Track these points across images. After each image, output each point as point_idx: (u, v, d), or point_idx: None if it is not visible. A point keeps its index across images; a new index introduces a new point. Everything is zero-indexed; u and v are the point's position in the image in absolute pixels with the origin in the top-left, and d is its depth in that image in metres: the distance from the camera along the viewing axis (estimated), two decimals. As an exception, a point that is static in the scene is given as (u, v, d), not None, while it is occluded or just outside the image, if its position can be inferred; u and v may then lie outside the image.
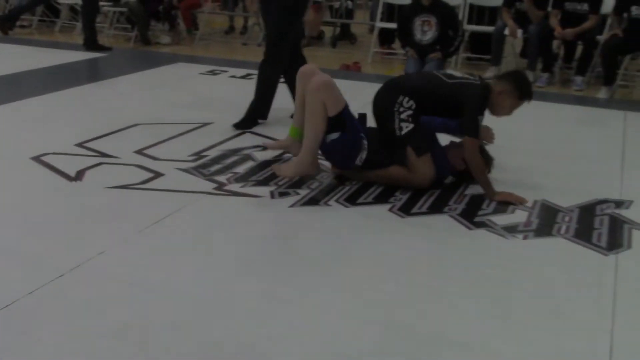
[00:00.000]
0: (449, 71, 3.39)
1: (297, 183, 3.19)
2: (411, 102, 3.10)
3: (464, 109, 3.05)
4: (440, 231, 2.74)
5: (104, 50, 6.84)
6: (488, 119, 3.19)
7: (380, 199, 3.03)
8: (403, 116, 3.09)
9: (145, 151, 3.61)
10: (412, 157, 3.08)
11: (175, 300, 2.15)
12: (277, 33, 4.02)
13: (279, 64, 4.09)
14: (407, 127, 3.09)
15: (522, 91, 3.10)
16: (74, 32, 8.30)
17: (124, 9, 7.74)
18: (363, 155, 3.11)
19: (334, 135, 3.07)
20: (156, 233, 2.63)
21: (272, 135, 3.92)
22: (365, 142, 3.11)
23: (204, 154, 3.59)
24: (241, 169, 3.38)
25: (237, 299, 2.17)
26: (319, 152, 3.17)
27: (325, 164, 3.34)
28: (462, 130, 3.11)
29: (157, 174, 3.27)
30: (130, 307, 2.10)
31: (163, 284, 2.24)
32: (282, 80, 4.23)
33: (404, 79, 3.42)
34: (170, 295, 2.17)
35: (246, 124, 4.10)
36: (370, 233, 2.71)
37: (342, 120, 3.05)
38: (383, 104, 3.17)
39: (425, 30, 5.79)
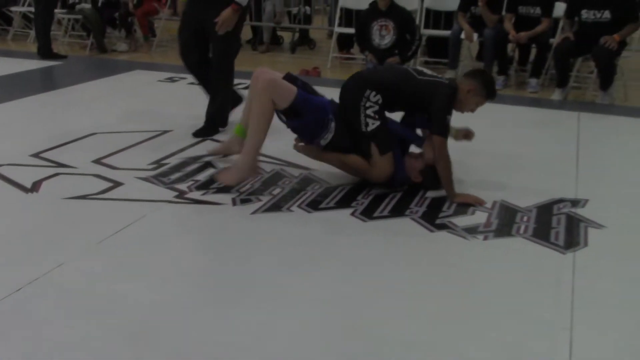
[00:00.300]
0: (420, 67, 3.42)
1: (259, 190, 3.18)
2: (378, 97, 3.11)
3: (433, 107, 3.09)
4: (402, 234, 2.76)
5: (59, 59, 6.72)
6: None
7: (342, 204, 3.04)
8: (369, 112, 3.10)
9: (104, 160, 3.56)
10: (375, 154, 3.12)
11: (137, 312, 2.12)
12: (231, 41, 4.00)
13: (233, 70, 4.13)
14: (373, 124, 3.10)
15: (489, 90, 3.18)
16: (27, 40, 8.13)
17: (79, 16, 7.62)
18: (328, 136, 3.15)
19: (295, 122, 3.17)
20: (116, 244, 2.59)
21: (233, 142, 3.90)
22: (333, 124, 3.14)
23: (163, 162, 3.55)
24: (202, 176, 3.35)
25: (200, 308, 2.15)
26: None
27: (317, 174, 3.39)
28: (432, 129, 3.12)
29: (116, 184, 3.22)
30: (91, 319, 2.06)
31: (124, 295, 2.21)
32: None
33: (372, 72, 3.40)
34: (131, 307, 2.14)
35: (207, 131, 4.07)
36: (332, 238, 2.71)
37: (296, 110, 3.10)
38: (349, 97, 3.18)
39: (383, 35, 5.85)
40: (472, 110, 3.23)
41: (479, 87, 3.15)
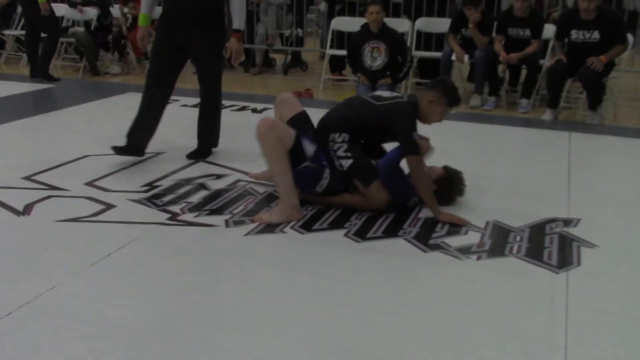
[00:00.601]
0: (378, 92, 3.45)
1: (252, 211, 3.18)
2: (344, 136, 3.15)
3: (397, 130, 3.11)
4: (395, 255, 2.76)
5: (53, 81, 6.73)
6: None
7: (335, 225, 3.04)
8: (340, 153, 3.14)
9: (96, 183, 3.55)
10: (361, 188, 3.13)
11: (129, 335, 2.10)
12: (218, 62, 3.99)
13: (221, 90, 4.09)
14: (347, 163, 3.13)
15: (450, 98, 3.18)
16: (19, 63, 8.15)
17: (72, 40, 7.65)
18: (324, 183, 3.15)
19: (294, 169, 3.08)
20: (109, 266, 2.58)
21: (225, 163, 3.91)
22: (327, 170, 3.15)
23: (156, 184, 3.55)
24: (195, 198, 3.35)
25: (193, 331, 2.13)
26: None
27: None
28: (403, 150, 3.13)
29: (109, 206, 3.21)
30: (83, 343, 2.04)
31: (116, 319, 2.19)
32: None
33: (332, 114, 3.30)
34: (124, 330, 2.12)
35: (201, 153, 4.06)
36: (326, 259, 2.71)
37: (296, 154, 3.05)
38: (321, 144, 3.20)
39: (375, 57, 5.90)
40: (439, 120, 3.24)
41: (439, 96, 3.16)
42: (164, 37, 3.82)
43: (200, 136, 4.09)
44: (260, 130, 3.00)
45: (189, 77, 7.65)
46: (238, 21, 3.82)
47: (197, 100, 5.94)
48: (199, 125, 4.09)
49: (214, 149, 4.15)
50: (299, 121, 3.29)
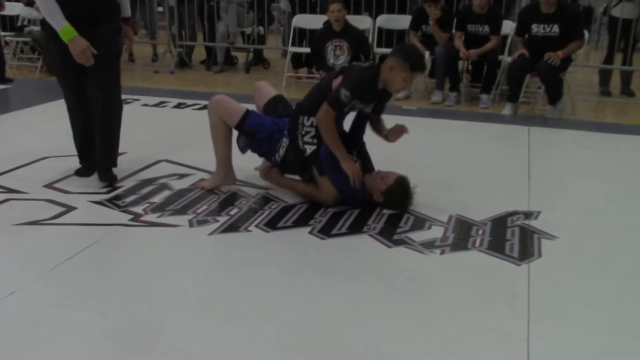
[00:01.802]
0: (346, 64, 3.43)
1: (216, 210, 3.16)
2: (311, 119, 3.15)
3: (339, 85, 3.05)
4: (360, 251, 2.78)
5: (6, 83, 6.57)
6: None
7: (300, 222, 3.04)
8: (306, 138, 3.17)
9: (56, 185, 3.48)
10: (317, 177, 3.18)
11: (93, 340, 2.06)
12: (117, 65, 3.54)
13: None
14: (310, 149, 3.16)
15: (412, 62, 3.04)
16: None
17: (28, 39, 7.49)
18: (281, 152, 3.25)
19: (249, 142, 3.31)
20: (70, 270, 2.53)
21: (187, 162, 3.87)
22: (285, 140, 3.24)
23: (118, 184, 3.50)
24: (157, 198, 3.31)
25: (159, 333, 2.11)
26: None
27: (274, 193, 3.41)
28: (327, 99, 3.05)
29: (69, 208, 3.16)
30: (45, 349, 2.00)
31: (79, 323, 2.15)
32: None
33: (306, 97, 3.34)
34: (86, 336, 2.09)
35: (107, 179, 3.51)
36: (291, 257, 2.71)
37: (248, 130, 3.27)
38: (290, 126, 3.25)
39: (337, 55, 5.92)
40: (404, 87, 3.22)
41: (399, 62, 3.03)
42: (62, 47, 3.24)
43: (100, 159, 3.53)
44: (208, 108, 3.35)
45: (149, 76, 7.58)
46: (126, 9, 3.52)
47: (158, 99, 5.93)
48: (98, 142, 3.50)
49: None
50: (272, 104, 3.46)
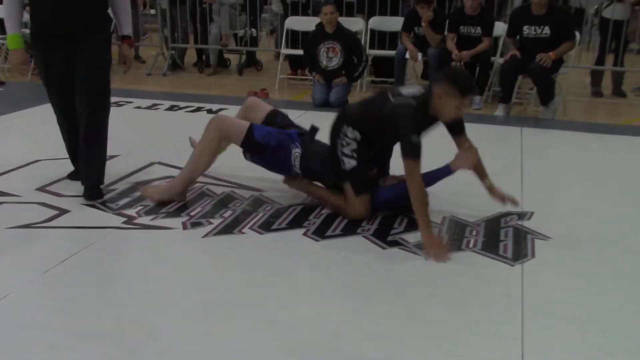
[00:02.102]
0: (401, 87, 3.16)
1: (210, 212, 3.15)
2: (355, 133, 3.03)
3: (399, 132, 2.90)
4: (355, 252, 2.78)
5: (-1, 85, 6.54)
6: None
7: (294, 224, 3.04)
8: (346, 150, 3.04)
9: (48, 188, 3.47)
10: (350, 194, 3.07)
11: (86, 343, 2.06)
12: (104, 77, 3.30)
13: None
14: (350, 164, 3.04)
15: (461, 86, 2.88)
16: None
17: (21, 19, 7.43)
18: (297, 163, 3.15)
19: (259, 157, 3.20)
20: (63, 273, 2.52)
21: (181, 165, 3.86)
22: (296, 150, 3.14)
23: (111, 187, 3.49)
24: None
25: (153, 336, 2.10)
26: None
27: (268, 195, 3.33)
28: (402, 152, 2.88)
29: (62, 211, 3.14)
30: (39, 352, 1.99)
31: (73, 326, 2.14)
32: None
33: (355, 105, 3.22)
34: (80, 339, 2.08)
35: (92, 196, 3.29)
36: (285, 259, 2.70)
37: (257, 144, 3.14)
38: (331, 131, 3.14)
39: (330, 57, 5.92)
40: (457, 115, 2.97)
41: (447, 88, 2.87)
42: (49, 58, 3.17)
43: (86, 176, 3.33)
44: (208, 124, 3.20)
45: (142, 79, 7.56)
46: (127, 26, 3.38)
47: (151, 101, 5.92)
48: (82, 159, 3.32)
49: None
50: (269, 117, 3.39)
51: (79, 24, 3.12)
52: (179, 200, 3.26)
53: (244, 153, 3.24)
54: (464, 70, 3.08)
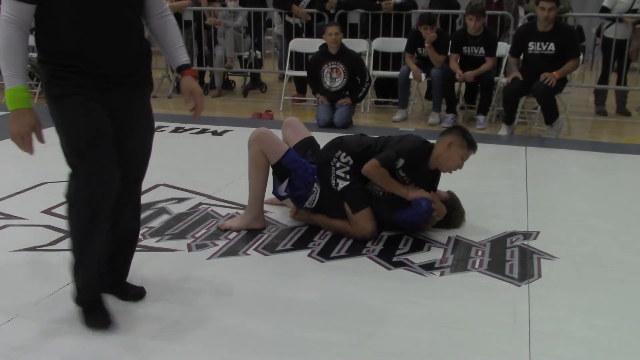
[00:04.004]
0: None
1: (215, 234, 3.15)
2: (348, 158, 3.14)
3: (387, 148, 3.10)
4: (360, 273, 2.77)
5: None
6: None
7: (299, 245, 3.04)
8: (339, 172, 3.13)
9: (54, 210, 3.48)
10: (349, 213, 3.10)
11: (92, 365, 2.05)
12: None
13: None
14: (342, 184, 3.11)
15: (469, 140, 3.12)
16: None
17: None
18: (313, 198, 3.16)
19: (284, 182, 3.16)
20: (69, 296, 2.51)
21: (186, 186, 3.87)
22: (316, 186, 3.15)
23: (116, 210, 3.49)
24: (156, 222, 3.31)
25: (157, 358, 2.09)
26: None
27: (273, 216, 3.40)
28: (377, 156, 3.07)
29: (68, 234, 3.14)
30: (43, 376, 1.99)
31: (78, 349, 2.14)
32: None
33: (348, 138, 3.31)
34: (86, 360, 2.08)
35: (134, 295, 2.50)
36: (290, 280, 2.70)
37: (284, 168, 3.12)
38: (323, 155, 3.23)
39: (334, 77, 5.96)
40: (459, 166, 3.16)
41: (458, 139, 3.10)
42: (87, 108, 2.14)
43: (124, 273, 2.52)
44: (249, 138, 3.19)
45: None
46: (183, 53, 2.39)
47: (157, 123, 5.90)
48: (123, 254, 2.50)
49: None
50: (302, 146, 3.35)
51: (131, 61, 2.20)
52: (258, 227, 3.21)
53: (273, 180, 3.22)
54: (467, 130, 3.27)
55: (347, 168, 3.13)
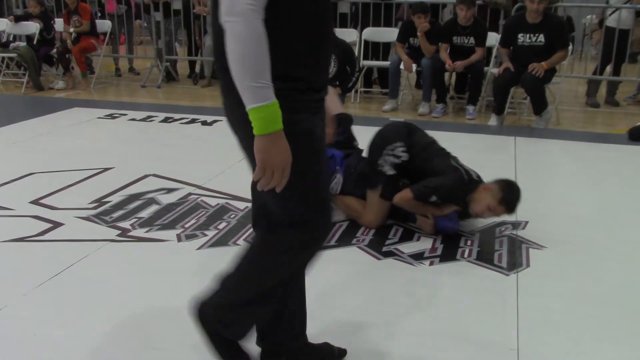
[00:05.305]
0: (459, 159, 3.21)
1: (205, 224, 3.14)
2: (404, 155, 3.03)
3: (432, 179, 2.98)
4: (350, 263, 2.77)
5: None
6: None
7: (289, 235, 3.03)
8: (391, 159, 3.02)
9: (42, 201, 3.46)
10: (374, 199, 3.08)
11: (81, 357, 2.04)
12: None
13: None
14: (389, 172, 3.02)
15: (505, 196, 2.92)
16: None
17: (14, 55, 7.45)
18: (335, 187, 3.17)
19: None
20: (58, 286, 2.51)
21: (175, 176, 3.86)
22: (338, 175, 3.16)
23: (105, 200, 3.48)
24: (145, 213, 3.30)
25: (149, 350, 2.09)
26: None
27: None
28: (412, 187, 3.00)
29: (56, 224, 3.13)
30: (31, 367, 1.98)
31: (67, 340, 2.13)
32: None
33: (414, 129, 3.22)
34: (74, 353, 2.07)
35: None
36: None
37: None
38: (380, 139, 3.12)
39: (324, 67, 5.92)
40: (483, 214, 2.97)
41: (497, 189, 2.94)
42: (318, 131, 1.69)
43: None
44: None
45: (137, 91, 7.56)
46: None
47: (145, 113, 5.92)
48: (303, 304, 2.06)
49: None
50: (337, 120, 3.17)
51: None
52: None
53: None
54: (519, 191, 3.03)
55: (398, 162, 3.02)
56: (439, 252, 2.87)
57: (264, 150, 1.50)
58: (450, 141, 4.97)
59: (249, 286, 1.82)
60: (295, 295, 1.94)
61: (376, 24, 6.90)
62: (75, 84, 7.59)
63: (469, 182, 3.02)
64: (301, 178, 1.60)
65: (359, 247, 2.91)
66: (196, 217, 3.24)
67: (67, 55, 7.57)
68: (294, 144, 1.53)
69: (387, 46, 6.85)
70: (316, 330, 2.21)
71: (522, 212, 3.35)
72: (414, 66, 6.24)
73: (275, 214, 1.70)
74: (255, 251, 1.84)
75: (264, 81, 1.46)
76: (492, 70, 6.13)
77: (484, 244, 2.97)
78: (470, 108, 6.03)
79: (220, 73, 1.66)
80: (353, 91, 6.46)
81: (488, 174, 4.14)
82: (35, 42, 7.57)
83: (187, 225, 3.13)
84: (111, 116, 5.74)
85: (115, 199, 3.51)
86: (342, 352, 2.06)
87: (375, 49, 6.95)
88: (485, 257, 2.82)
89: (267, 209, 1.72)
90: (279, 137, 1.50)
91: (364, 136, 3.29)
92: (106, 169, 4.04)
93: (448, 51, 6.03)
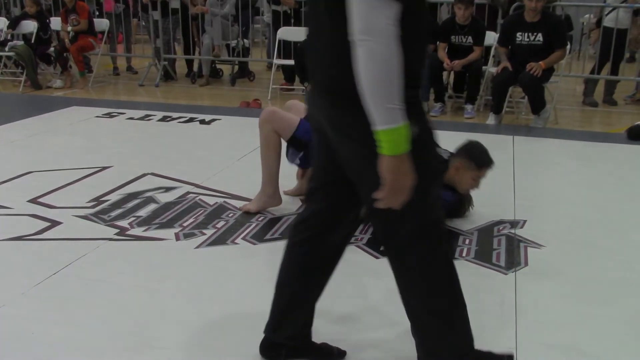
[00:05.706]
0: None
1: (203, 223, 3.14)
2: None
3: None
4: (347, 262, 2.76)
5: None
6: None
7: (287, 234, 3.02)
8: None
9: (40, 199, 3.45)
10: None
11: (77, 356, 2.04)
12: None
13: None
14: None
15: (478, 160, 3.05)
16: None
17: (11, 53, 7.44)
18: None
19: (299, 154, 3.19)
20: (56, 285, 2.51)
21: (174, 175, 3.86)
22: None
23: (103, 199, 3.48)
24: (143, 212, 3.29)
25: (146, 348, 2.09)
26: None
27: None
28: None
29: (54, 223, 3.13)
30: (29, 366, 1.98)
31: (66, 339, 2.13)
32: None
33: None
34: (72, 352, 2.07)
35: None
36: (278, 269, 2.69)
37: (298, 140, 3.15)
38: None
39: (322, 66, 5.92)
40: (474, 186, 3.10)
41: (465, 161, 3.05)
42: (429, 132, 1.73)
43: None
44: (259, 119, 3.18)
45: (135, 90, 7.55)
46: None
47: (144, 112, 5.91)
48: None
49: None
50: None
51: None
52: (275, 204, 3.28)
53: (287, 150, 3.23)
54: (479, 144, 3.10)
55: None
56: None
57: (393, 171, 1.49)
58: (448, 140, 4.99)
59: (440, 306, 1.89)
60: (317, 292, 2.01)
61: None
62: (73, 82, 7.58)
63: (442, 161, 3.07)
64: (420, 190, 1.58)
65: (357, 246, 2.91)
66: (194, 216, 3.24)
67: (65, 54, 7.56)
68: (414, 155, 1.51)
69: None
70: (315, 330, 2.21)
71: (520, 210, 3.36)
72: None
73: (404, 227, 1.71)
74: (416, 273, 1.86)
75: (398, 103, 1.44)
76: (490, 69, 6.14)
77: (482, 243, 2.97)
78: (469, 107, 6.03)
79: (332, 85, 1.67)
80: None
81: (487, 173, 4.14)
82: (32, 40, 7.55)
83: (185, 224, 3.13)
84: (109, 115, 5.74)
85: (113, 197, 3.50)
86: (342, 352, 2.07)
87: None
88: (483, 256, 2.82)
89: (392, 225, 1.73)
90: (407, 158, 1.49)
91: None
92: (104, 168, 4.04)
93: (446, 50, 6.03)
